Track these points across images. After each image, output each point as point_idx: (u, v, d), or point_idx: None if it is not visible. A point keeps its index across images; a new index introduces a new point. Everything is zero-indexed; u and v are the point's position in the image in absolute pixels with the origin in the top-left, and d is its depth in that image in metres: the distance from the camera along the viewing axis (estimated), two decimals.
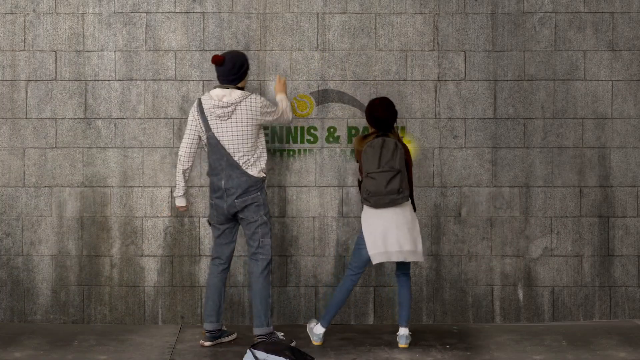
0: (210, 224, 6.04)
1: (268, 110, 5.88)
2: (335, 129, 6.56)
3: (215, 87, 5.88)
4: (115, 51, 6.53)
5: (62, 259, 6.55)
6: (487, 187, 6.62)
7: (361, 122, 6.52)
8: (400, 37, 6.58)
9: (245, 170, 5.81)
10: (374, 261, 5.79)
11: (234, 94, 5.81)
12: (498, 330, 6.38)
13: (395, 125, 5.98)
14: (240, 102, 5.79)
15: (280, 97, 6.12)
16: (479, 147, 6.61)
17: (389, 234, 5.77)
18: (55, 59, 6.52)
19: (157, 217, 6.56)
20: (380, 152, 5.75)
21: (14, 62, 6.52)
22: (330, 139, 6.56)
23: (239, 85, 5.87)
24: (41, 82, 6.52)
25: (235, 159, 5.80)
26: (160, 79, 6.55)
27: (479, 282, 6.63)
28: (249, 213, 5.85)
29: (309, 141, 6.58)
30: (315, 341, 5.98)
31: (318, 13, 6.57)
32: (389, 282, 6.57)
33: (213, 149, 5.83)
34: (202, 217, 6.54)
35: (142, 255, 6.57)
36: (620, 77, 6.63)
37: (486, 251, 6.63)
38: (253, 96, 5.84)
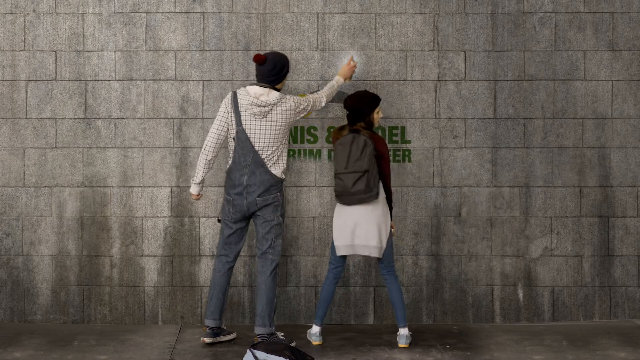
0: (220, 221, 6.04)
1: (301, 107, 5.94)
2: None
3: (252, 84, 5.88)
4: (115, 51, 6.53)
5: (62, 259, 6.55)
6: (487, 187, 6.62)
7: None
8: (400, 37, 6.58)
9: (269, 168, 5.83)
10: (339, 253, 5.91)
11: (271, 95, 5.82)
12: (498, 330, 6.38)
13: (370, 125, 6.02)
14: (277, 104, 5.81)
15: (334, 80, 6.22)
16: (479, 147, 6.61)
17: (357, 227, 5.86)
18: (55, 59, 6.52)
19: (157, 217, 6.56)
20: (350, 150, 5.80)
21: (14, 62, 6.52)
22: (330, 139, 6.55)
23: (277, 86, 5.89)
24: (41, 82, 6.52)
25: (262, 157, 5.82)
26: (160, 79, 6.55)
27: (479, 282, 6.63)
28: (267, 212, 5.87)
29: (309, 141, 6.58)
30: (315, 341, 5.98)
31: (318, 13, 6.57)
32: None
33: (240, 144, 5.83)
34: (202, 217, 6.54)
35: (142, 255, 6.57)
36: (620, 77, 6.63)
37: (486, 251, 6.63)
38: (288, 98, 5.87)
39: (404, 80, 6.59)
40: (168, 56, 6.54)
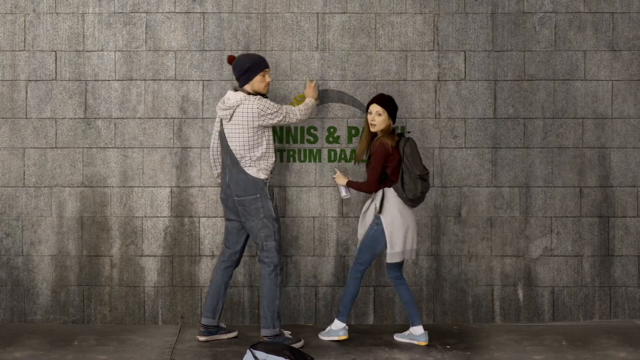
0: None
1: (269, 112, 5.83)
2: (335, 129, 6.56)
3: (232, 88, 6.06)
4: (115, 51, 6.53)
5: (62, 259, 6.55)
6: (487, 187, 6.62)
7: (361, 122, 6.52)
8: (400, 37, 6.58)
9: (243, 168, 5.85)
10: (398, 259, 5.86)
11: (234, 97, 5.88)
12: (498, 330, 6.39)
13: None
14: (238, 105, 5.84)
15: (306, 101, 6.21)
16: (479, 147, 6.61)
17: (409, 231, 5.91)
18: (55, 59, 6.52)
19: (157, 217, 6.56)
20: (418, 153, 5.91)
21: (14, 62, 6.52)
22: (330, 139, 6.56)
23: (247, 87, 5.91)
24: (41, 82, 6.53)
25: (237, 157, 5.87)
26: (160, 79, 6.55)
27: (479, 282, 6.63)
28: (249, 216, 5.90)
29: (309, 141, 6.58)
30: (341, 336, 6.03)
31: (318, 13, 6.57)
32: (389, 282, 6.57)
33: (222, 143, 5.98)
34: (202, 217, 6.54)
35: (142, 255, 6.57)
36: (620, 77, 6.63)
37: (486, 251, 6.63)
38: (252, 99, 5.83)
39: (404, 80, 6.59)
40: (168, 56, 6.54)
